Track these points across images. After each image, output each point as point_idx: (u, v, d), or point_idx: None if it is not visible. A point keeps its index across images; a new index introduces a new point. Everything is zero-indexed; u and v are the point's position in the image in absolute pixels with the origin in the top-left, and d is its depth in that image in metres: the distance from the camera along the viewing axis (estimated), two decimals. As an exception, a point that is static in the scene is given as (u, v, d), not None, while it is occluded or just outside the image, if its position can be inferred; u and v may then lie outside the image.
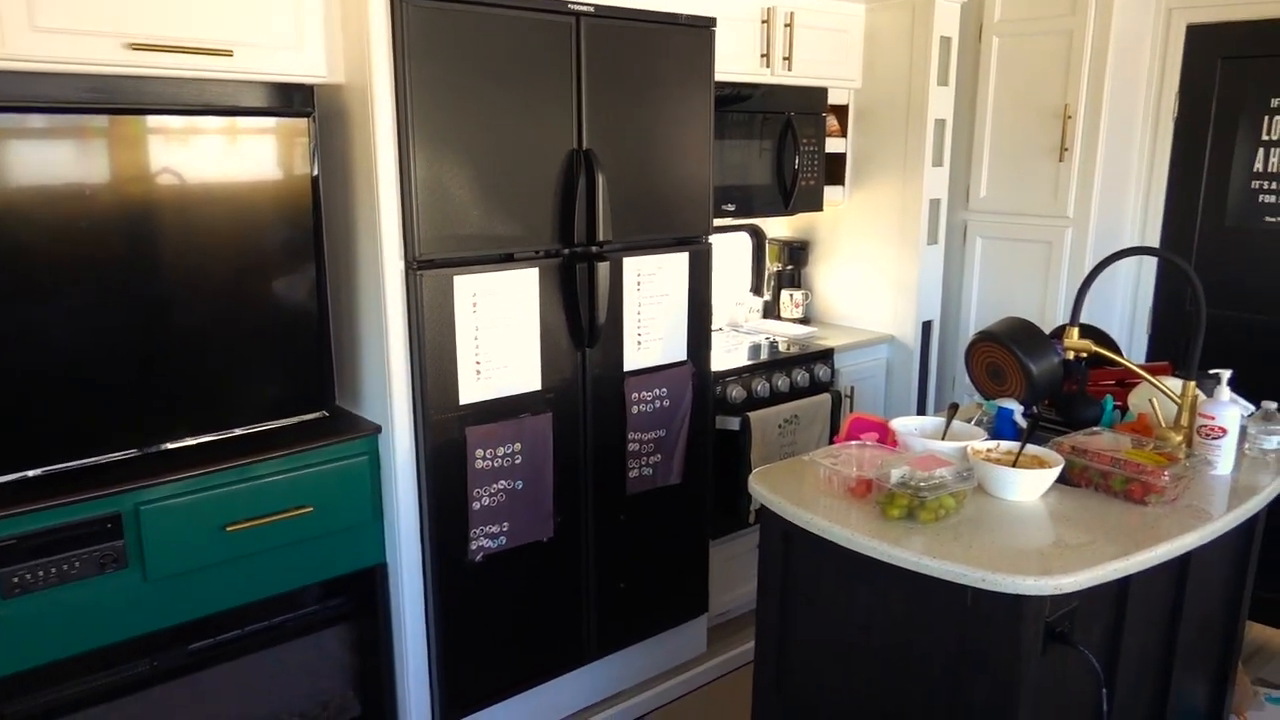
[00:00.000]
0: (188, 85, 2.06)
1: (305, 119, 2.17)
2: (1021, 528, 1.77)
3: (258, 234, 2.14)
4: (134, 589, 1.96)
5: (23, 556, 1.80)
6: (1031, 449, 1.95)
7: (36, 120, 1.84)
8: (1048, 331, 2.34)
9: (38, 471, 1.88)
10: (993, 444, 2.00)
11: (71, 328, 1.90)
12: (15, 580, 1.80)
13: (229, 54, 2.02)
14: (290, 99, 2.18)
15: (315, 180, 2.20)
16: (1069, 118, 3.43)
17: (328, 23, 2.16)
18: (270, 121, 2.14)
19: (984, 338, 2.27)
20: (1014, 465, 1.89)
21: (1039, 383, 2.18)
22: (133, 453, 2.01)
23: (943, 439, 2.06)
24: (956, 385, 3.85)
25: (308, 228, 2.20)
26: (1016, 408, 2.18)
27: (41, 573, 1.82)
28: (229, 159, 2.10)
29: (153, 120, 1.97)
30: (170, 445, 2.06)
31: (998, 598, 1.60)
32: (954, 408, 2.17)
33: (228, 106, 2.11)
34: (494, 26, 2.22)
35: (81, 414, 1.94)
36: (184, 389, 2.07)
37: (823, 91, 3.49)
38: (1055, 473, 1.87)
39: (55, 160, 1.86)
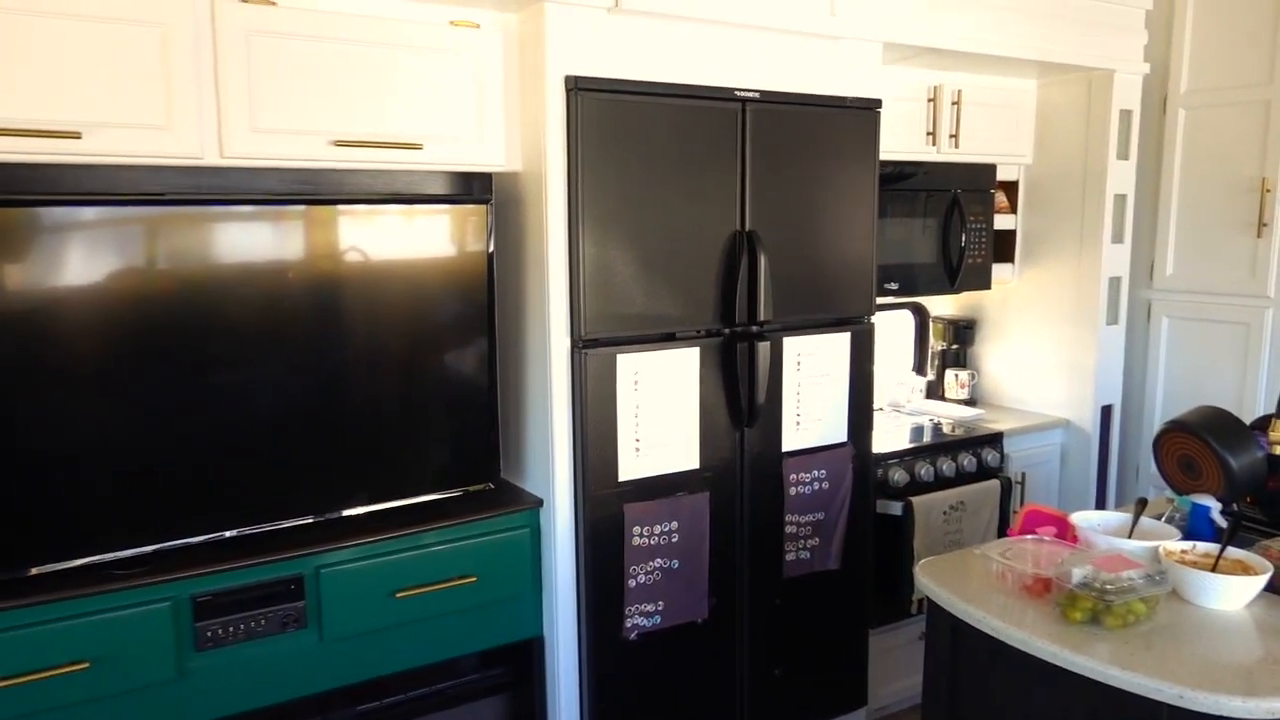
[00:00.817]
0: (379, 175, 2.23)
1: (484, 205, 2.30)
2: (1224, 640, 1.61)
3: (436, 312, 2.27)
4: (311, 648, 2.07)
5: (217, 612, 1.94)
6: (1233, 552, 1.79)
7: (247, 209, 2.03)
8: (1251, 422, 2.16)
9: (233, 532, 2.03)
10: (1188, 545, 1.84)
11: (265, 398, 2.06)
12: (209, 634, 1.93)
13: (420, 147, 2.18)
14: (470, 186, 2.32)
15: (490, 259, 2.32)
16: (1268, 191, 3.20)
17: (508, 116, 2.30)
18: (452, 208, 2.28)
19: (1175, 427, 2.11)
20: (1214, 569, 1.74)
21: (1239, 478, 2.01)
22: (309, 519, 2.13)
23: (1129, 537, 1.91)
24: (1140, 476, 3.58)
25: (482, 304, 2.31)
26: (1214, 505, 2.01)
27: (232, 628, 1.95)
28: (413, 242, 2.25)
29: (344, 206, 2.14)
30: (346, 512, 2.18)
31: (1198, 718, 1.45)
32: (1142, 503, 2.02)
33: (414, 194, 2.27)
34: (662, 115, 2.30)
35: (270, 479, 2.09)
36: (361, 458, 2.20)
37: (991, 168, 3.40)
38: (1263, 580, 1.71)
39: (260, 244, 2.05)
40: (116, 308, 1.89)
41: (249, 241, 2.04)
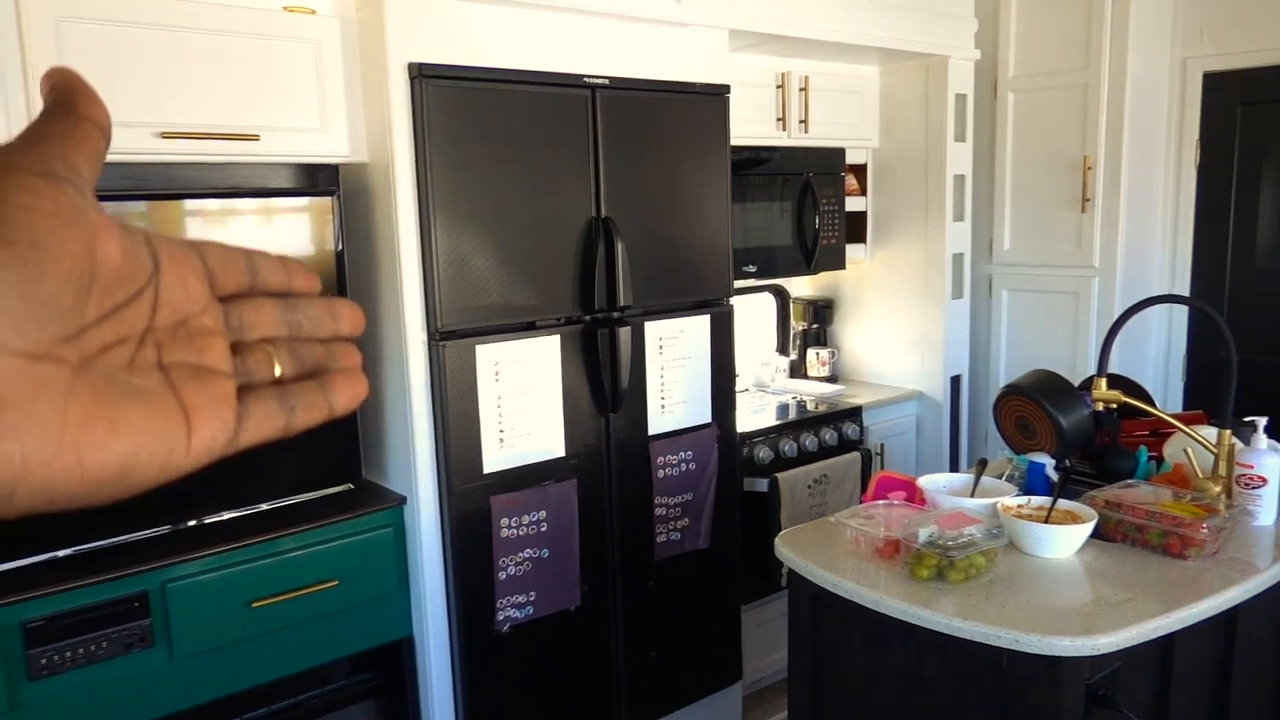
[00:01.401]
0: (218, 169, 2.13)
1: (330, 197, 2.23)
2: (1056, 586, 1.72)
3: (284, 310, 2.18)
4: (160, 668, 1.96)
5: (51, 637, 1.81)
6: (1064, 504, 1.91)
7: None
8: (1079, 383, 2.31)
9: (67, 551, 1.90)
10: (1024, 499, 1.96)
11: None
12: (43, 662, 1.81)
13: (255, 138, 2.09)
14: (316, 178, 2.24)
15: (340, 255, 2.25)
16: (1089, 168, 3.43)
17: (350, 105, 2.23)
18: (297, 201, 2.20)
19: (1012, 391, 2.24)
20: (1046, 521, 1.85)
21: (1069, 435, 2.14)
22: (164, 529, 2.03)
23: (972, 495, 2.02)
24: (989, 440, 3.78)
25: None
26: (1048, 461, 2.14)
27: (69, 654, 1.83)
28: (259, 237, 2.16)
29: (190, 204, 2.04)
30: (196, 522, 2.08)
31: (1034, 660, 1.55)
32: (982, 463, 2.13)
33: (255, 188, 2.17)
34: (511, 102, 2.28)
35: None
36: (214, 464, 2.09)
37: (840, 152, 3.52)
38: (1089, 528, 1.83)
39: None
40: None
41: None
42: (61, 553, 1.89)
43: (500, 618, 2.36)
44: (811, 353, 3.82)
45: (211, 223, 2.08)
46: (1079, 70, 3.43)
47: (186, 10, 1.98)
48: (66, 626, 1.83)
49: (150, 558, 1.94)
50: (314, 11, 2.17)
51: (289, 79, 2.13)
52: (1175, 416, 2.19)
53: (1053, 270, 3.58)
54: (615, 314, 2.51)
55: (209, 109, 2.03)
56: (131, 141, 1.94)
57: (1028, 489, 2.09)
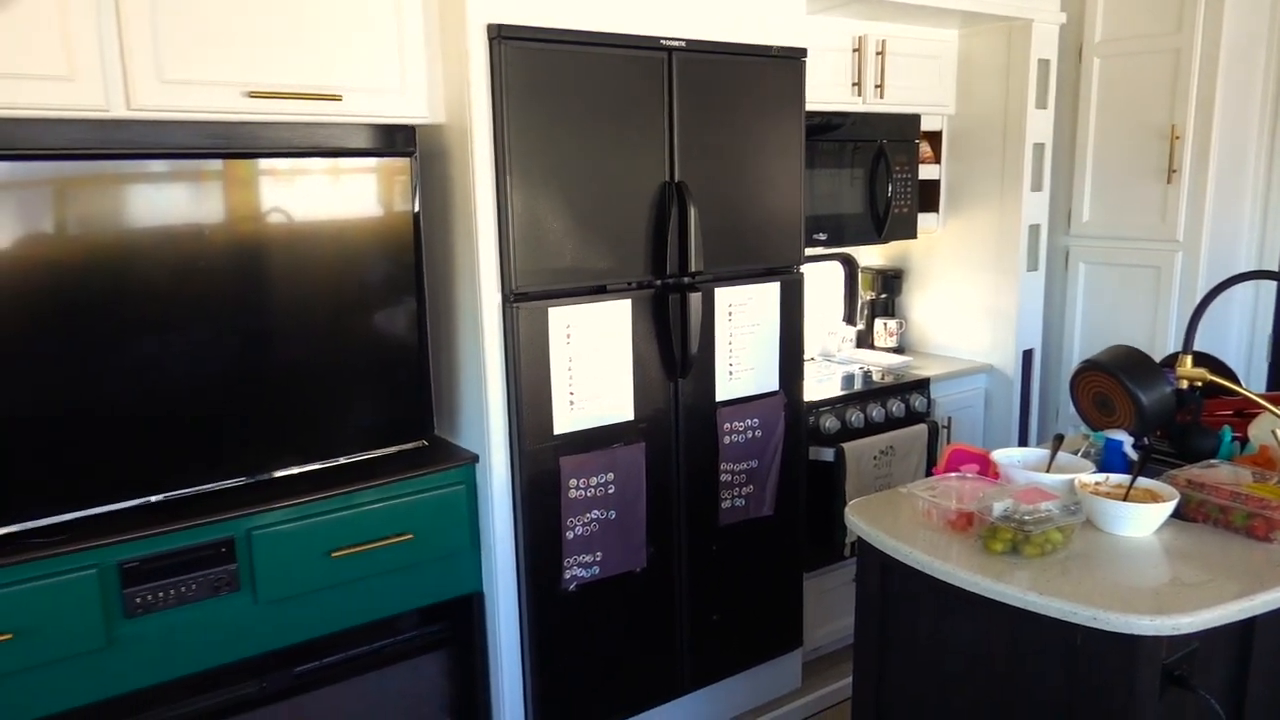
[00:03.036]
0: (298, 129, 2.17)
1: (408, 158, 2.25)
2: (1134, 565, 1.69)
3: (361, 269, 2.23)
4: (245, 612, 2.04)
5: (146, 578, 1.90)
6: (1143, 482, 1.87)
7: (159, 165, 1.96)
8: (1158, 360, 2.25)
9: (159, 497, 1.99)
10: (1101, 477, 1.92)
11: (188, 360, 2.01)
12: (139, 600, 1.90)
13: (338, 99, 2.12)
14: (393, 139, 2.27)
15: (416, 217, 2.28)
16: (1177, 138, 3.31)
17: (430, 66, 2.25)
18: (374, 161, 2.23)
19: (1090, 367, 2.19)
20: (1125, 499, 1.82)
21: (1150, 413, 2.09)
22: (243, 480, 2.10)
23: (1047, 471, 1.99)
24: (1060, 416, 3.71)
25: (409, 263, 2.28)
26: (1126, 439, 2.10)
27: (162, 594, 1.92)
28: (335, 197, 2.20)
29: (264, 163, 2.08)
30: (278, 474, 2.14)
31: (1110, 638, 1.53)
32: (1059, 439, 2.09)
33: (335, 148, 2.21)
34: (588, 64, 2.28)
35: (196, 442, 2.04)
36: (291, 419, 2.16)
37: (915, 118, 3.45)
38: (1170, 507, 1.79)
39: (174, 201, 1.98)
40: (24, 270, 1.81)
41: (167, 199, 1.97)
42: (154, 498, 1.98)
43: (567, 576, 2.40)
44: (879, 323, 3.77)
45: (286, 182, 2.12)
46: (1170, 35, 3.30)
47: (274, -29, 2.00)
48: (159, 568, 1.91)
49: (235, 506, 2.01)
50: (395, -29, 2.18)
51: (371, 40, 2.15)
52: (1263, 397, 2.12)
53: (1134, 243, 3.48)
54: (686, 279, 2.51)
55: (293, 69, 2.06)
56: (219, 101, 1.98)
57: (1105, 466, 2.05)
